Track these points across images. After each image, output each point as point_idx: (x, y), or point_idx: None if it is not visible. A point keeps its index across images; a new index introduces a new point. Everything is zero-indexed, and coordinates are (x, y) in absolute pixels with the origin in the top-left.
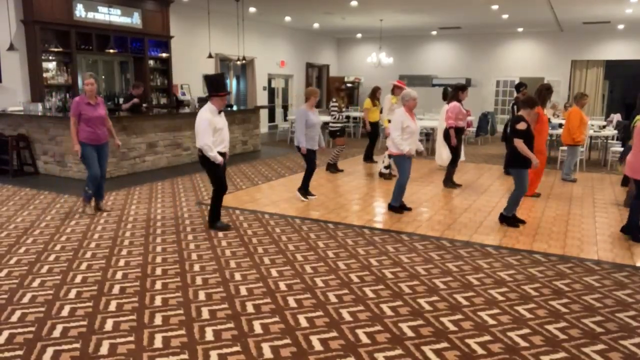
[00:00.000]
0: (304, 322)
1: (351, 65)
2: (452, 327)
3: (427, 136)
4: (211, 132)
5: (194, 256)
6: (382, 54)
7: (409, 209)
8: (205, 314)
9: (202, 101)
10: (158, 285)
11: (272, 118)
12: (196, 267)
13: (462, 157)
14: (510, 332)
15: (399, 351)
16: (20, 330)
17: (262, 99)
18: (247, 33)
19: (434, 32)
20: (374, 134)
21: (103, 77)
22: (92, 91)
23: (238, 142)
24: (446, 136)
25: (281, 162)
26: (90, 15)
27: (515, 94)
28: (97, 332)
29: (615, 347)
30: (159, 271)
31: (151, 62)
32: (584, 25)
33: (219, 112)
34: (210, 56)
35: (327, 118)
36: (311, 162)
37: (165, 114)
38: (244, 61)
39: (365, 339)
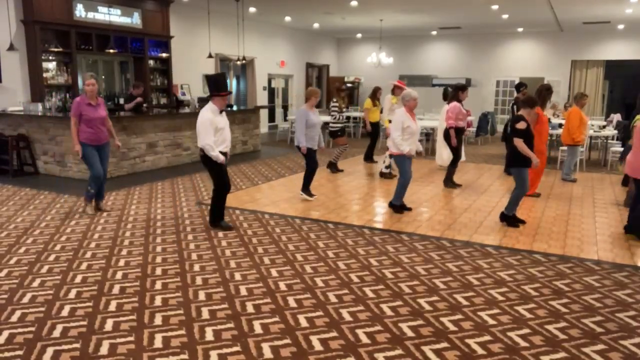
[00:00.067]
0: (304, 322)
1: (351, 65)
2: (452, 327)
3: (427, 136)
4: (212, 131)
5: (194, 256)
6: (382, 54)
7: (409, 209)
8: (205, 314)
9: (202, 101)
10: (158, 285)
11: (272, 118)
12: (196, 267)
13: (463, 157)
14: (510, 332)
15: (399, 351)
16: (20, 330)
17: (262, 99)
18: (247, 33)
19: (434, 32)
20: (374, 134)
21: (103, 77)
22: (93, 92)
23: (238, 142)
24: (446, 136)
25: (281, 162)
26: (90, 15)
27: (515, 94)
28: (97, 332)
29: (615, 347)
30: (159, 271)
31: (151, 62)
32: (584, 25)
33: (221, 112)
34: (210, 56)
35: (327, 118)
36: (312, 161)
37: (165, 114)
38: (244, 61)
39: (365, 339)
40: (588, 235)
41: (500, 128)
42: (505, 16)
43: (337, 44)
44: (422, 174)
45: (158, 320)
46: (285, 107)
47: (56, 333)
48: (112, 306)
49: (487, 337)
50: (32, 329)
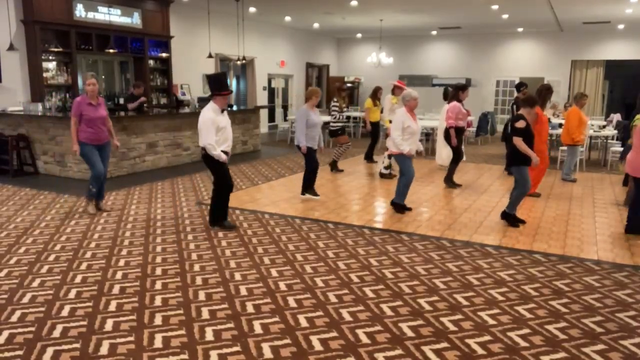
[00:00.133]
0: (304, 322)
1: (351, 65)
2: (452, 327)
3: (427, 136)
4: (214, 131)
5: (194, 256)
6: (382, 54)
7: (409, 209)
8: (205, 314)
9: (202, 101)
10: (158, 285)
11: (272, 118)
12: (196, 267)
13: (463, 157)
14: (510, 332)
15: (399, 351)
16: (20, 330)
17: (262, 99)
18: (247, 33)
19: (434, 32)
20: (374, 133)
21: (103, 77)
22: (93, 91)
23: (238, 142)
24: (447, 136)
25: (281, 162)
26: (90, 15)
27: (515, 94)
28: (97, 332)
29: (615, 347)
30: (159, 271)
31: (151, 62)
32: (584, 25)
33: (222, 111)
34: (210, 56)
35: (327, 118)
36: (312, 160)
37: (165, 114)
38: (244, 61)
39: (365, 339)
40: (588, 235)
41: (500, 128)
42: (505, 16)
43: (337, 44)
44: (422, 174)
45: (158, 320)
46: (285, 107)
47: (56, 333)
48: (112, 306)
49: (487, 337)
50: (32, 329)
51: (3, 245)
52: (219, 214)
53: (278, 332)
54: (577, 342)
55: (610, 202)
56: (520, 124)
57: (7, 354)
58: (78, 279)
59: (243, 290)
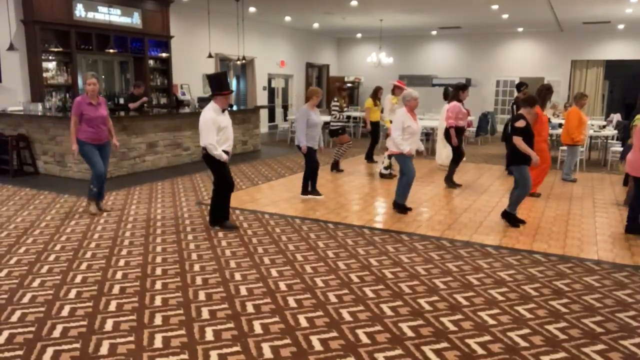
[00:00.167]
0: (304, 322)
1: (351, 65)
2: (452, 327)
3: (427, 136)
4: (215, 130)
5: (194, 256)
6: (382, 54)
7: (409, 209)
8: (205, 314)
9: (202, 101)
10: (158, 285)
11: (272, 118)
12: (196, 267)
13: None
14: (510, 332)
15: (399, 351)
16: (20, 330)
17: (262, 99)
18: (247, 33)
19: (434, 32)
20: (375, 133)
21: (103, 77)
22: (94, 91)
23: (238, 142)
24: (447, 136)
25: (281, 162)
26: (90, 15)
27: (515, 94)
28: (97, 332)
29: (615, 347)
30: (159, 271)
31: (151, 62)
32: (584, 25)
33: (223, 111)
34: (210, 56)
35: (327, 118)
36: (312, 160)
37: (165, 114)
38: (244, 61)
39: (365, 339)
40: (588, 235)
41: (500, 128)
42: (505, 16)
43: (337, 43)
44: (422, 174)
45: (158, 320)
46: (285, 107)
47: (56, 333)
48: (112, 306)
49: (487, 337)
50: (32, 329)
51: (3, 245)
52: (219, 214)
53: (278, 332)
54: (577, 342)
55: (611, 202)
56: (520, 124)
57: (7, 354)
58: (78, 279)
59: (243, 290)
